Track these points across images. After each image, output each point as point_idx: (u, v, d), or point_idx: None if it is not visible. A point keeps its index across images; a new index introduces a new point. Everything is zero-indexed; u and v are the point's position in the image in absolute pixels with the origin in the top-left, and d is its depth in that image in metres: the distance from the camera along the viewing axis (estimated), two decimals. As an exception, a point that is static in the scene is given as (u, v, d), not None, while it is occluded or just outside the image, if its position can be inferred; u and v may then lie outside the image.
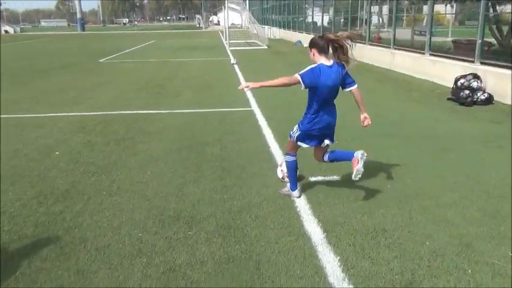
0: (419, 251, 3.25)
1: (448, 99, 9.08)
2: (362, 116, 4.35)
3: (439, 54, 11.90)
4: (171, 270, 3.04)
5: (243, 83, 4.07)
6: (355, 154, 4.03)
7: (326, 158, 4.25)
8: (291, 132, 4.20)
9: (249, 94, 9.84)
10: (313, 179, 4.70)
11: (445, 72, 10.91)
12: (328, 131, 4.22)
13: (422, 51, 12.56)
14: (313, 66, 3.88)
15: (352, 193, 4.34)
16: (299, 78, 3.82)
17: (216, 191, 4.42)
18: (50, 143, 6.20)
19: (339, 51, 3.90)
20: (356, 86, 4.24)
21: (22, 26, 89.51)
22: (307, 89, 3.97)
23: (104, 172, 4.98)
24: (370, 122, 4.28)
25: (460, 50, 11.29)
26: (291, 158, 4.24)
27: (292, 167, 4.25)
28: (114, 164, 5.24)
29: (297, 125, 4.17)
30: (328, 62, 3.92)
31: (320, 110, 4.07)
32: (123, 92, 10.51)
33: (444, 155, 5.55)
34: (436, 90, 10.32)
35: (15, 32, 70.64)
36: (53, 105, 9.01)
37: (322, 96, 4.00)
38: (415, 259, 3.15)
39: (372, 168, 4.99)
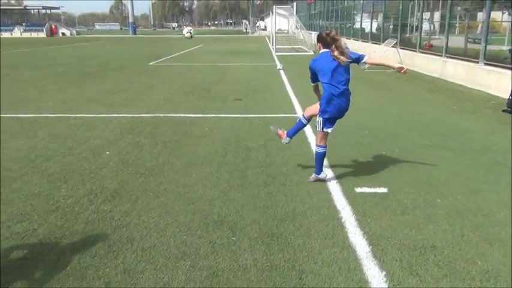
0: (471, 271, 3.11)
1: (503, 110, 8.66)
2: (397, 67, 4.52)
3: (495, 63, 11.38)
4: (214, 275, 3.06)
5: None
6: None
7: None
8: (317, 125, 4.69)
9: (294, 101, 9.82)
10: (359, 190, 4.60)
11: (501, 82, 10.42)
12: (340, 115, 4.64)
13: (476, 60, 12.07)
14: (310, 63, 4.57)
15: (400, 206, 4.21)
16: (311, 81, 4.69)
17: (260, 197, 4.42)
18: (101, 143, 6.42)
19: (338, 49, 4.41)
20: (366, 55, 4.60)
21: (78, 29, 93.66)
22: (320, 82, 4.59)
23: (151, 173, 5.09)
24: (406, 68, 4.52)
25: (518, 59, 10.75)
26: (321, 149, 4.72)
27: (321, 157, 4.74)
28: (161, 166, 5.36)
29: (317, 117, 4.67)
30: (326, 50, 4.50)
31: (330, 94, 4.47)
32: (171, 95, 10.75)
33: (498, 169, 5.29)
34: (491, 101, 9.89)
35: (71, 34, 74.02)
36: (105, 106, 9.33)
37: (325, 79, 4.45)
38: (466, 279, 3.01)
39: (421, 181, 4.84)
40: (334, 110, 4.53)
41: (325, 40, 4.47)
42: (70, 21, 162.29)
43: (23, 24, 74.24)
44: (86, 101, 9.88)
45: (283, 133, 5.21)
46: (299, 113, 8.46)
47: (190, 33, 12.04)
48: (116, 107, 9.23)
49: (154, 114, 8.37)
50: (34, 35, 68.27)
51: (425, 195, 4.48)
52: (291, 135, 5.15)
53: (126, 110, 8.81)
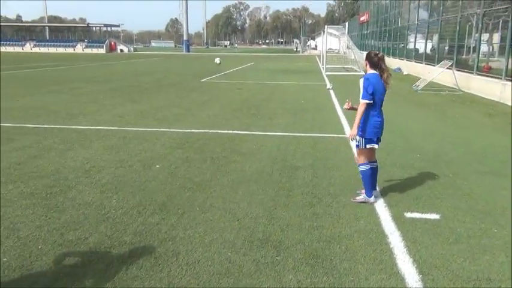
0: (531, 309, 2.89)
1: None
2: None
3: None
4: (257, 294, 3.03)
5: (351, 134, 4.67)
6: (372, 197, 4.76)
7: (374, 165, 4.85)
8: (358, 144, 4.73)
9: (343, 121, 9.70)
10: (408, 215, 4.44)
11: None
12: (381, 133, 4.74)
13: (540, 84, 11.44)
14: (363, 82, 4.55)
15: (453, 234, 4.01)
16: (364, 101, 4.52)
17: (306, 217, 4.36)
18: (152, 156, 6.60)
19: (384, 72, 4.63)
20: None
21: (135, 46, 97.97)
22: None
23: (198, 188, 5.17)
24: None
25: None
26: (365, 167, 4.73)
27: (368, 175, 4.72)
28: (208, 181, 5.42)
29: (358, 137, 4.67)
30: (375, 71, 4.64)
31: (375, 114, 4.63)
32: (221, 112, 10.92)
33: None
34: (555, 127, 9.31)
35: (129, 51, 77.45)
36: (157, 120, 9.62)
37: (377, 101, 4.58)
38: (526, 318, 2.81)
39: (476, 209, 4.61)
40: (376, 130, 4.68)
41: (373, 60, 4.62)
42: (128, 38, 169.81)
43: (85, 40, 78.53)
44: (139, 115, 10.24)
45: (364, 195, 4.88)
46: (347, 132, 8.33)
47: (219, 61, 13.20)
48: (167, 121, 9.49)
49: (204, 130, 8.53)
50: (95, 50, 72.00)
51: (481, 224, 4.25)
52: (370, 190, 4.79)
53: (177, 125, 9.04)
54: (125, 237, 3.87)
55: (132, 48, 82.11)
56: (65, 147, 7.06)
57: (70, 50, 72.45)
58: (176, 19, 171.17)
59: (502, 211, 4.58)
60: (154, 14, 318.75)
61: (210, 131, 8.49)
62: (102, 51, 72.33)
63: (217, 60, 16.56)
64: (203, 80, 20.26)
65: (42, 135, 7.93)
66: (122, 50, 76.60)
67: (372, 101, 4.55)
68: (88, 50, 72.50)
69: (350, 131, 4.71)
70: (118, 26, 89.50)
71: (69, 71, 25.94)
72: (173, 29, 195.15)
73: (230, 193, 5.03)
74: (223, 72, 25.34)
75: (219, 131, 8.46)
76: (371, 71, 4.66)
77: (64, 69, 28.34)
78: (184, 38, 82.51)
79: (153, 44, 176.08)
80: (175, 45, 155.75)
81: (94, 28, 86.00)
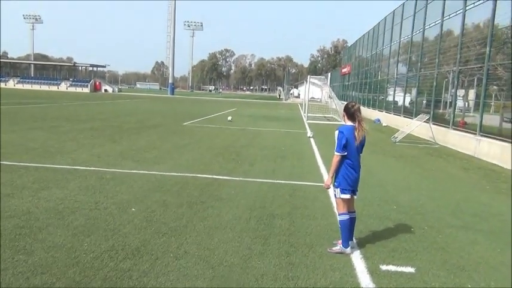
0: None
1: (541, 194, 8.33)
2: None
3: (531, 145, 11.13)
4: None
5: (326, 184, 4.89)
6: (349, 248, 4.75)
7: (352, 215, 4.88)
8: (334, 193, 4.86)
9: (323, 170, 9.78)
10: (384, 267, 4.43)
11: (538, 165, 10.12)
12: (356, 184, 4.83)
13: (512, 141, 11.83)
14: (337, 134, 4.71)
15: (427, 289, 4.00)
16: (337, 154, 4.68)
17: (282, 267, 4.30)
18: (129, 198, 6.50)
19: (358, 123, 4.74)
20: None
21: (120, 87, 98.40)
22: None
23: (173, 234, 5.08)
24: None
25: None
26: (344, 217, 4.77)
27: (346, 225, 4.76)
28: (184, 227, 5.34)
29: (333, 186, 4.83)
30: (352, 124, 4.76)
31: (350, 167, 4.72)
32: (201, 156, 10.92)
33: (536, 258, 5.00)
34: (527, 183, 9.55)
35: (113, 91, 77.76)
36: (137, 162, 9.55)
37: (352, 153, 4.70)
38: None
39: (450, 264, 4.62)
40: (351, 183, 4.77)
41: (349, 111, 4.78)
42: (114, 78, 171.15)
43: (70, 79, 78.76)
44: (119, 156, 10.16)
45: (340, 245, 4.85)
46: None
47: (231, 118, 13.92)
48: (147, 163, 9.43)
49: (183, 174, 8.48)
50: (79, 89, 72.12)
51: (455, 279, 4.26)
52: (347, 241, 4.78)
53: (156, 168, 8.98)
54: (94, 284, 3.75)
55: (116, 89, 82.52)
56: (39, 187, 6.92)
57: (54, 88, 72.45)
58: (162, 62, 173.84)
59: (475, 266, 4.61)
60: (141, 56, 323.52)
61: (189, 174, 8.45)
62: (86, 90, 72.51)
63: (229, 118, 17.28)
64: (185, 123, 20.36)
65: (17, 173, 7.77)
66: (106, 90, 76.91)
67: (344, 154, 4.68)
68: (72, 89, 72.64)
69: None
70: (104, 66, 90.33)
71: (51, 109, 25.81)
72: (159, 72, 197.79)
73: (206, 239, 4.95)
74: (206, 116, 25.55)
75: (198, 175, 8.43)
76: (348, 123, 4.79)
77: (46, 106, 28.20)
78: (170, 81, 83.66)
79: (138, 86, 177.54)
80: (160, 88, 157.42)
81: (80, 67, 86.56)
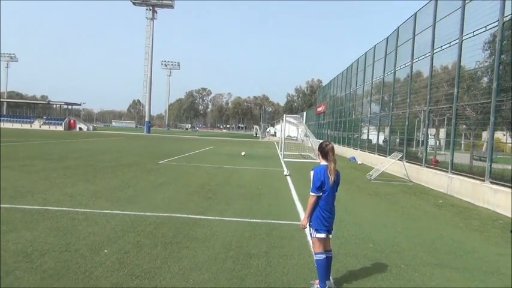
0: None
1: (512, 231, 8.51)
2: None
3: (501, 182, 11.44)
4: None
5: (302, 224, 4.91)
6: (326, 287, 4.73)
7: (329, 254, 4.88)
8: (310, 233, 4.88)
9: (299, 208, 9.78)
10: (361, 307, 4.38)
11: (508, 202, 10.38)
12: (331, 223, 4.87)
13: (482, 178, 12.16)
14: (312, 175, 4.77)
15: (405, 329, 3.97)
16: (313, 195, 4.73)
17: (258, 309, 4.21)
18: (101, 239, 6.33)
19: (330, 163, 4.80)
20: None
21: (95, 125, 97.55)
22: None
23: (147, 276, 4.95)
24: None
25: (524, 180, 10.82)
26: (320, 256, 4.77)
27: (323, 264, 4.75)
28: (158, 268, 5.22)
29: (309, 227, 4.86)
30: (327, 163, 4.81)
31: (323, 207, 4.77)
32: (177, 195, 10.80)
33: (510, 295, 5.05)
34: (498, 220, 9.76)
35: (88, 129, 76.91)
36: (110, 202, 9.36)
37: (327, 193, 4.74)
38: None
39: (427, 302, 4.61)
40: (325, 223, 4.79)
41: (323, 150, 4.85)
42: (89, 116, 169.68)
43: (44, 117, 77.68)
44: (92, 196, 9.94)
45: (317, 285, 4.85)
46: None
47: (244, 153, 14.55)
48: (120, 203, 9.25)
49: (157, 214, 8.34)
50: (53, 128, 71.08)
51: (432, 318, 4.24)
52: (324, 280, 4.78)
53: (130, 207, 8.81)
54: (62, 330, 3.58)
55: (91, 127, 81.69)
56: (7, 229, 6.67)
57: (27, 126, 71.21)
58: (139, 100, 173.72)
59: (452, 304, 4.62)
60: (117, 94, 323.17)
61: (164, 214, 8.32)
62: (60, 128, 71.56)
63: (243, 153, 17.53)
64: (161, 161, 20.20)
65: (-16, 215, 7.49)
66: (81, 129, 76.04)
67: (320, 194, 4.74)
68: (46, 127, 71.54)
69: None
70: (79, 104, 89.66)
71: (23, 148, 25.25)
72: (135, 110, 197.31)
73: (180, 282, 4.83)
74: (182, 154, 25.43)
75: (173, 215, 8.30)
76: (323, 162, 4.86)
77: (18, 145, 27.59)
78: (146, 119, 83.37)
79: (113, 124, 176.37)
80: (136, 126, 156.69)
81: (55, 105, 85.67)
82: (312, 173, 4.80)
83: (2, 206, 8.33)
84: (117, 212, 8.35)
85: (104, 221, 7.49)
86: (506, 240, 7.92)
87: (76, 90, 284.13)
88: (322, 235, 4.78)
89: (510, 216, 9.69)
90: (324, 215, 4.76)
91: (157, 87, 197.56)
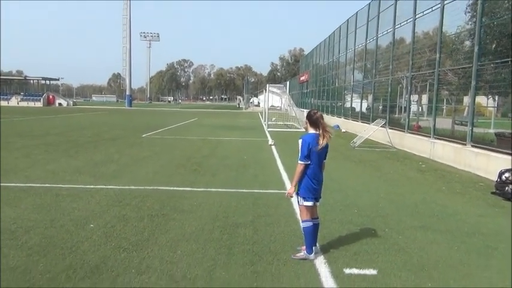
0: None
1: (492, 193, 8.73)
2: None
3: (482, 146, 11.66)
4: None
5: (289, 193, 4.92)
6: (313, 254, 4.80)
7: (316, 222, 4.93)
8: (298, 201, 4.92)
9: (285, 177, 9.85)
10: (347, 271, 4.49)
11: (489, 164, 10.62)
12: (319, 191, 4.91)
13: (464, 142, 12.37)
14: (301, 143, 4.76)
15: (390, 290, 4.09)
16: (301, 163, 4.73)
17: (246, 276, 4.29)
18: (86, 215, 6.31)
19: (323, 129, 4.79)
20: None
21: (75, 100, 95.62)
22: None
23: (135, 248, 4.97)
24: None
25: (504, 143, 11.05)
26: (307, 224, 4.83)
27: (310, 231, 4.82)
28: (145, 241, 5.24)
29: (296, 195, 4.89)
30: (315, 131, 4.79)
31: (311, 176, 4.78)
32: (162, 168, 10.76)
33: (489, 253, 5.23)
34: (479, 182, 10.00)
35: (68, 105, 75.51)
36: (93, 177, 9.29)
37: (314, 160, 4.75)
38: None
39: (411, 264, 4.75)
40: (312, 191, 4.84)
41: (312, 118, 4.83)
42: (68, 91, 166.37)
43: (21, 93, 75.87)
44: (75, 172, 9.85)
45: (304, 251, 4.90)
46: (288, 188, 8.44)
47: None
48: (104, 178, 9.19)
49: (142, 187, 8.32)
50: (31, 104, 69.55)
51: (416, 279, 4.38)
52: (311, 247, 4.84)
53: (114, 182, 8.77)
54: (51, 305, 3.59)
55: (71, 102, 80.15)
56: (-11, 207, 6.59)
57: (4, 103, 69.54)
58: (119, 74, 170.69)
59: (434, 265, 4.76)
60: (96, 68, 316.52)
61: (149, 187, 8.30)
62: (39, 104, 70.07)
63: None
64: (144, 135, 20.04)
65: (-35, 194, 7.37)
66: (60, 104, 74.59)
67: (308, 162, 4.74)
68: (24, 104, 69.97)
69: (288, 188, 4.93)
70: (57, 79, 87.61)
71: (2, 125, 24.72)
72: (116, 84, 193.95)
73: (168, 253, 4.87)
74: (165, 127, 25.24)
75: (159, 188, 8.30)
76: (311, 130, 4.84)
77: (-5, 122, 27.02)
78: (127, 93, 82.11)
79: (94, 99, 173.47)
80: (118, 100, 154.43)
81: (32, 81, 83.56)
82: (300, 141, 4.79)
83: (-18, 184, 8.21)
84: (101, 186, 8.30)
85: (88, 196, 7.45)
86: (487, 202, 8.13)
87: (53, 65, 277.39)
88: (310, 203, 4.83)
89: (490, 178, 9.92)
90: (312, 183, 4.79)
91: (138, 60, 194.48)
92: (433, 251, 5.21)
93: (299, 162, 4.75)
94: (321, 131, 4.77)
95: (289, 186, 4.97)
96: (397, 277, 4.39)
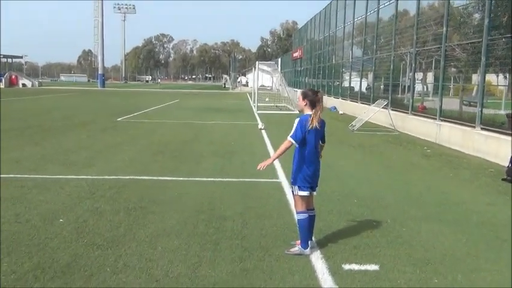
0: None
1: (503, 179, 8.84)
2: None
3: (492, 128, 11.76)
4: None
5: (260, 164, 4.82)
6: (308, 248, 4.79)
7: (311, 213, 4.93)
8: (292, 190, 4.93)
9: (277, 164, 9.85)
10: (347, 266, 4.52)
11: (499, 149, 10.73)
12: (315, 179, 4.89)
13: (473, 125, 12.47)
14: (296, 122, 4.69)
15: (393, 287, 4.12)
16: (290, 140, 4.69)
17: (235, 274, 4.29)
18: (55, 208, 6.26)
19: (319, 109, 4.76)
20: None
21: (40, 80, 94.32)
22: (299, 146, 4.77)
23: (110, 245, 4.94)
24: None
25: (516, 125, 11.16)
26: (303, 216, 4.82)
27: (305, 224, 4.82)
28: (122, 237, 5.21)
29: (292, 183, 4.91)
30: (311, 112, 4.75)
31: (307, 163, 4.77)
32: (139, 155, 10.71)
33: (499, 245, 5.30)
34: (489, 168, 10.11)
35: (33, 85, 74.45)
36: (63, 166, 9.22)
37: (308, 144, 4.73)
38: None
39: (416, 258, 4.80)
40: (309, 180, 4.81)
41: (313, 99, 4.76)
42: (33, 71, 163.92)
43: (-21, 73, 74.54)
44: (42, 160, 9.75)
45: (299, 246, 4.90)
46: (281, 177, 8.47)
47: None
48: (75, 167, 9.12)
49: (118, 177, 8.28)
50: (-10, 85, 68.38)
51: (421, 274, 4.42)
52: (306, 241, 4.84)
53: (86, 171, 8.71)
54: (16, 309, 3.56)
55: (36, 83, 79.00)
56: None
57: (-41, 84, 68.30)
58: (90, 51, 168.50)
59: (441, 259, 4.81)
60: (64, 45, 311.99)
61: (125, 177, 8.26)
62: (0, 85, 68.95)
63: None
64: (119, 119, 19.90)
65: None
66: (24, 85, 73.42)
67: (295, 142, 4.68)
68: (-18, 84, 68.77)
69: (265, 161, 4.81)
70: (21, 57, 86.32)
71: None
72: (86, 62, 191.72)
73: (147, 250, 4.85)
74: (143, 110, 25.07)
75: (137, 177, 8.26)
76: (307, 111, 4.79)
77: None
78: (100, 71, 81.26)
79: (62, 78, 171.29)
80: (89, 80, 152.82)
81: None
82: (296, 120, 4.72)
83: None
84: (72, 176, 8.24)
85: (57, 187, 7.39)
86: (497, 189, 8.23)
87: (15, 41, 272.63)
88: (305, 193, 4.82)
89: (501, 164, 10.03)
90: (308, 170, 4.77)
91: (111, 35, 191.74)
92: (439, 244, 5.26)
93: (288, 138, 4.69)
94: (313, 112, 4.72)
95: (282, 175, 4.96)
96: (401, 272, 4.42)
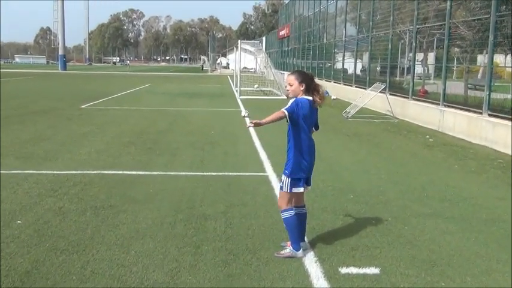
0: None
1: (514, 171, 8.95)
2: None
3: (501, 115, 11.86)
4: None
5: (248, 123, 4.72)
6: (300, 250, 4.78)
7: (301, 211, 4.93)
8: (281, 185, 4.80)
9: (262, 155, 9.84)
10: (344, 270, 4.52)
11: (509, 137, 10.84)
12: (310, 171, 4.89)
13: (480, 111, 12.58)
14: (293, 100, 4.69)
15: (396, 292, 4.14)
16: (283, 111, 4.60)
17: (219, 280, 4.27)
18: (12, 208, 6.17)
19: (316, 94, 4.77)
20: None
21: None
22: (289, 131, 4.77)
23: (76, 250, 4.88)
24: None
25: (527, 110, 11.28)
26: (288, 214, 4.76)
27: (293, 223, 4.76)
28: (89, 240, 5.15)
29: (283, 175, 4.79)
30: (309, 98, 4.73)
31: (302, 148, 4.74)
32: (107, 147, 10.64)
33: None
34: (498, 159, 10.23)
35: (-17, 68, 73.28)
36: (20, 160, 9.11)
37: (303, 130, 4.71)
38: None
39: (420, 259, 4.82)
40: (305, 170, 4.79)
41: (311, 83, 4.73)
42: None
43: None
44: (-5, 153, 9.61)
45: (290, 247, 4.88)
46: (268, 170, 8.46)
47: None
48: (34, 161, 9.04)
49: (84, 171, 8.21)
50: None
51: (427, 277, 4.44)
52: (297, 242, 4.83)
53: (47, 166, 8.63)
54: (-31, 324, 3.49)
55: (-13, 65, 77.81)
56: None
57: None
58: (49, 28, 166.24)
59: (448, 260, 4.84)
60: (19, 22, 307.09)
61: (93, 172, 8.19)
62: None
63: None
64: (84, 106, 19.76)
65: None
66: (-28, 67, 72.28)
67: (288, 115, 4.55)
68: None
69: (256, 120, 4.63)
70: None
71: None
72: (45, 42, 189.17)
73: (119, 254, 4.80)
74: (110, 96, 24.88)
75: (105, 172, 8.21)
76: (304, 96, 4.71)
77: None
78: (60, 52, 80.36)
79: (17, 60, 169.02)
80: (48, 62, 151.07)
81: None
82: (291, 100, 4.68)
83: None
84: (31, 171, 8.16)
85: (13, 184, 7.30)
86: (507, 182, 8.32)
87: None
88: (300, 189, 4.78)
89: (511, 153, 10.15)
90: (304, 159, 4.73)
91: (73, 11, 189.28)
92: (445, 244, 5.29)
93: (283, 109, 4.57)
94: (317, 98, 4.71)
95: (269, 167, 4.92)
96: (404, 276, 4.44)
